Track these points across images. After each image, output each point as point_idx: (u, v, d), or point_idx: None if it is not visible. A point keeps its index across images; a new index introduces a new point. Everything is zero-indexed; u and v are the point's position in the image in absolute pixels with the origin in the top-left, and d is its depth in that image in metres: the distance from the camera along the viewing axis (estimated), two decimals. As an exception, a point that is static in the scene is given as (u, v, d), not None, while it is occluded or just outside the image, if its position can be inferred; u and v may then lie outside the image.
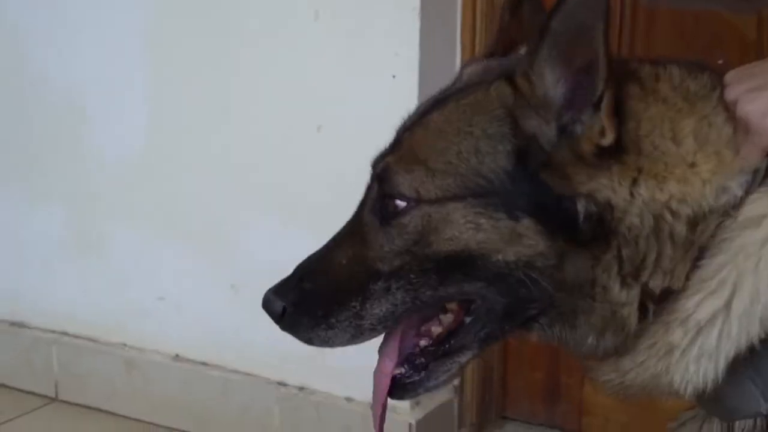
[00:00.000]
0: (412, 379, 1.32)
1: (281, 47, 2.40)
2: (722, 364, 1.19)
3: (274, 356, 2.44)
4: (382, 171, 1.29)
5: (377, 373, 1.33)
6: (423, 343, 1.31)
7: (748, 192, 1.20)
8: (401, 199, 1.27)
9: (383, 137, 1.33)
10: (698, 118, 1.23)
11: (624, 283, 1.23)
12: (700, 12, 2.30)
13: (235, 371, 2.58)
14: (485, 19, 2.39)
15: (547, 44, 1.20)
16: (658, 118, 1.23)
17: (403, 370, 1.31)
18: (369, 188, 1.32)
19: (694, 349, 1.19)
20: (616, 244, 1.22)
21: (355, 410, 2.43)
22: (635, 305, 1.23)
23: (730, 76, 1.26)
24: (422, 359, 1.31)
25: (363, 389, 2.11)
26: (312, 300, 1.30)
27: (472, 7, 2.35)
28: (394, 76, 2.24)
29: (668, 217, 1.21)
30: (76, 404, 2.83)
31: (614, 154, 1.22)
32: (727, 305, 1.18)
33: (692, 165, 1.22)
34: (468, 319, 1.28)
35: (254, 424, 2.57)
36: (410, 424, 2.40)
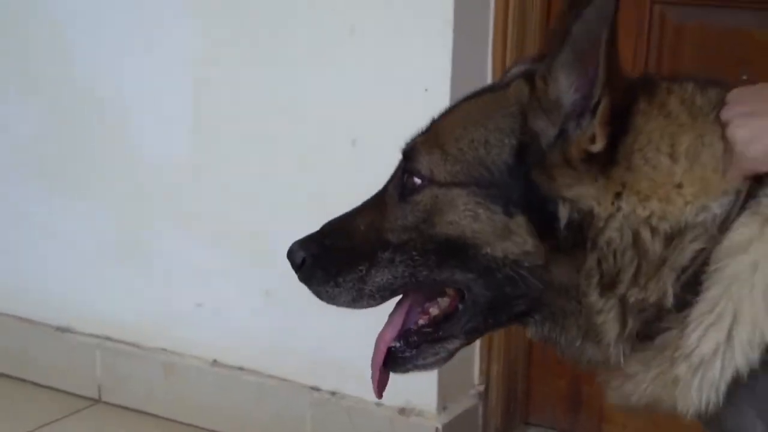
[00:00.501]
0: (404, 355, 1.36)
1: (318, 60, 2.41)
2: (723, 390, 1.19)
3: (308, 362, 2.47)
4: (409, 149, 1.34)
5: (379, 339, 1.38)
6: (421, 322, 1.36)
7: (730, 212, 1.20)
8: (418, 177, 1.31)
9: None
10: (695, 136, 1.24)
11: (602, 293, 1.24)
12: (728, 29, 2.27)
13: (270, 376, 2.59)
14: (517, 32, 2.36)
15: (565, 49, 1.21)
16: (657, 133, 1.24)
17: (398, 345, 1.36)
18: (398, 165, 1.36)
19: (696, 379, 1.20)
20: (595, 255, 1.23)
21: (384, 415, 2.44)
22: (611, 315, 1.25)
23: (732, 95, 1.25)
24: (416, 338, 1.35)
25: (392, 395, 2.11)
26: (328, 257, 1.35)
27: (503, 20, 2.36)
28: (426, 90, 2.25)
29: (646, 233, 1.21)
30: (118, 406, 2.85)
31: (603, 163, 1.22)
32: (729, 337, 1.18)
33: (678, 186, 1.22)
34: (460, 307, 1.32)
35: (288, 427, 2.58)
36: (437, 428, 2.40)
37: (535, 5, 2.40)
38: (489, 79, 2.33)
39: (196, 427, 2.72)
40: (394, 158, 1.38)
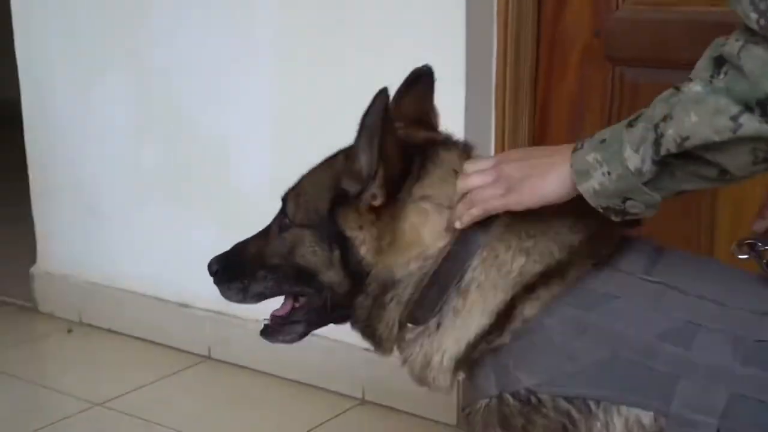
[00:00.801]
0: (272, 329, 1.61)
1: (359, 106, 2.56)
2: (450, 363, 1.42)
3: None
4: (284, 198, 1.54)
5: (274, 312, 1.61)
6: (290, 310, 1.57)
7: (450, 248, 1.39)
8: (288, 219, 1.50)
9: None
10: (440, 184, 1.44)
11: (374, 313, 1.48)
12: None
13: (335, 340, 2.78)
14: (509, 91, 2.59)
15: (359, 137, 1.41)
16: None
17: (270, 322, 1.60)
18: (280, 209, 1.55)
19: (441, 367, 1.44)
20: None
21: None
22: (385, 324, 1.49)
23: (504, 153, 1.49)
24: (280, 320, 1.59)
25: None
26: (229, 269, 1.58)
27: (503, 78, 2.59)
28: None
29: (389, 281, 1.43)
30: (224, 361, 3.18)
31: (383, 215, 1.41)
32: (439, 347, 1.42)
33: (408, 245, 1.42)
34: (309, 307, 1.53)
35: (347, 378, 2.90)
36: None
37: (525, 67, 2.64)
38: (492, 124, 2.59)
39: (281, 377, 3.03)
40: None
